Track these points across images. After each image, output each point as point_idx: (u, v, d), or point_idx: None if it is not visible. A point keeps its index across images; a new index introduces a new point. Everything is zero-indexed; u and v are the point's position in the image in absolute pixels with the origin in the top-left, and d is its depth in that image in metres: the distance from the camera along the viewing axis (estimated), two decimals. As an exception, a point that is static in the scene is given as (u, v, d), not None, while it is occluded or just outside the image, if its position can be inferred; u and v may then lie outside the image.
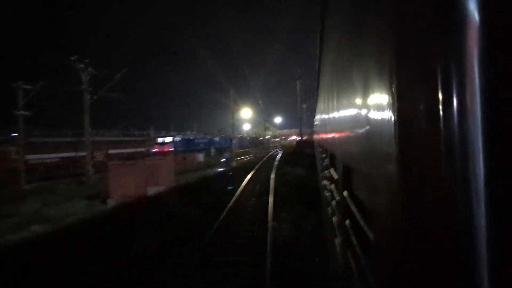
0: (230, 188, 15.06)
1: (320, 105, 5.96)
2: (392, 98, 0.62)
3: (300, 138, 41.25)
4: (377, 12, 0.78)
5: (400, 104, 0.58)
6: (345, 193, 1.66)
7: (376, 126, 0.79)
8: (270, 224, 8.54)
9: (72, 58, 22.03)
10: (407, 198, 0.56)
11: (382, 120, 0.70)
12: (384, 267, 0.82)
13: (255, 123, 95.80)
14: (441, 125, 0.42)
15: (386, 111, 0.66)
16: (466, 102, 0.39)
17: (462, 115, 0.39)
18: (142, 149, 38.93)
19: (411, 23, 0.54)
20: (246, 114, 44.51)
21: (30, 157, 23.71)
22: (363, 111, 0.97)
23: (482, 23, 0.38)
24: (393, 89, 0.61)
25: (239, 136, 72.56)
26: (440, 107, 0.42)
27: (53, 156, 26.68)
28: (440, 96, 0.42)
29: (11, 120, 22.16)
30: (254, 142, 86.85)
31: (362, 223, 1.19)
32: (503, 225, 0.37)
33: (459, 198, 0.40)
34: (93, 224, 10.17)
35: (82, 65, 22.42)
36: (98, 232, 9.03)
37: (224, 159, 30.76)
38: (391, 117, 0.63)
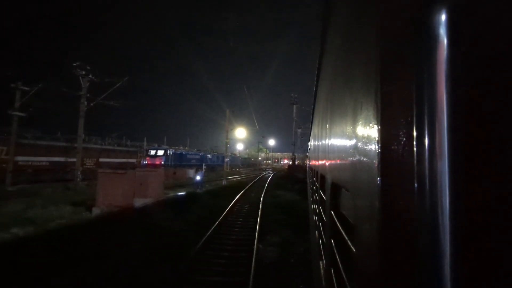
0: (217, 207, 14.90)
1: (314, 130, 6.11)
2: (376, 130, 0.71)
3: (292, 162, 41.31)
4: (364, 51, 0.91)
5: (382, 136, 0.68)
6: (332, 212, 1.75)
7: (362, 152, 0.88)
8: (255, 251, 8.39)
9: (74, 64, 22.22)
10: (385, 218, 0.64)
11: (367, 147, 0.80)
12: (362, 285, 0.87)
13: (249, 143, 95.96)
14: (415, 158, 0.52)
15: (370, 140, 0.76)
16: (435, 140, 0.48)
17: (432, 151, 0.48)
18: (134, 160, 38.57)
19: (393, 66, 0.64)
20: (240, 134, 44.66)
21: (19, 158, 23.34)
22: (352, 138, 1.07)
23: (449, 78, 0.48)
24: (377, 122, 0.71)
25: (232, 155, 72.43)
26: (415, 144, 0.52)
27: (43, 159, 26.27)
28: (415, 133, 0.52)
29: (6, 120, 21.98)
30: (246, 162, 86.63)
31: (346, 238, 1.26)
32: (464, 243, 0.44)
33: (427, 220, 0.48)
34: (74, 232, 9.90)
35: (83, 72, 22.58)
36: (77, 240, 8.82)
37: (195, 182, 22.90)
38: (374, 146, 0.72)
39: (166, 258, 7.48)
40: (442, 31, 0.48)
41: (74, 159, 23.67)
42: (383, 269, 0.65)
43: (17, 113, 21.56)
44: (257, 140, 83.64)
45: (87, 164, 29.80)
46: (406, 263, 0.54)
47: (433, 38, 0.49)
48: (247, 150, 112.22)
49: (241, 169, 68.52)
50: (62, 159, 27.90)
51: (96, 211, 13.50)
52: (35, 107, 22.82)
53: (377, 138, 0.70)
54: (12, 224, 10.73)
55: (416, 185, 0.51)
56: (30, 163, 24.97)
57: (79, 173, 22.53)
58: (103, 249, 7.92)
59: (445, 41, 0.48)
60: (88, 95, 23.12)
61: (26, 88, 21.87)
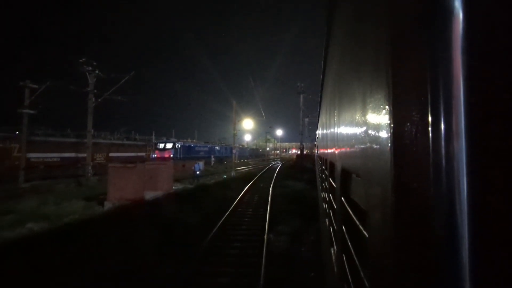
0: (227, 199, 14.96)
1: (322, 118, 6.05)
2: (388, 113, 0.69)
3: (300, 151, 41.20)
4: (374, 31, 0.87)
5: (394, 119, 0.66)
6: (342, 199, 1.72)
7: (373, 137, 0.86)
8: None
9: (80, 61, 22.34)
10: (399, 203, 0.62)
11: (379, 131, 0.78)
12: (376, 272, 0.85)
13: (256, 133, 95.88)
14: (430, 141, 0.49)
15: (382, 124, 0.74)
16: (451, 121, 0.45)
17: (448, 132, 0.46)
18: (143, 154, 38.92)
19: (405, 44, 0.62)
20: (247, 125, 44.57)
21: (31, 155, 23.77)
22: (362, 124, 1.05)
23: (466, 54, 0.45)
24: (388, 105, 0.69)
25: (240, 146, 72.55)
26: (429, 125, 0.49)
27: (54, 155, 26.70)
28: (429, 114, 0.49)
29: (17, 117, 22.34)
30: (254, 153, 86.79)
31: (358, 223, 1.24)
32: (482, 227, 0.43)
33: (443, 205, 0.45)
34: (87, 226, 10.13)
35: (90, 68, 22.70)
36: (90, 233, 9.01)
37: (195, 174, 22.95)
38: (386, 129, 0.70)
39: (178, 249, 7.59)
40: (458, 4, 0.46)
41: (85, 155, 23.99)
42: (397, 254, 0.64)
43: (27, 111, 21.85)
44: (264, 130, 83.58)
45: (97, 159, 30.19)
46: (420, 248, 0.52)
47: (448, 12, 0.46)
48: (255, 141, 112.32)
49: (249, 160, 68.72)
50: (72, 154, 28.31)
51: (108, 205, 13.71)
52: (44, 104, 23.12)
53: (388, 121, 0.68)
54: (27, 220, 10.99)
55: (431, 168, 0.48)
56: (41, 159, 25.42)
57: (89, 168, 22.87)
58: (117, 241, 8.06)
59: (461, 15, 0.45)
60: (95, 91, 23.28)
61: (34, 86, 22.09)
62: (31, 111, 22.14)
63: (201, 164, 26.61)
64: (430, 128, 0.49)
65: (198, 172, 23.24)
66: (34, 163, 24.29)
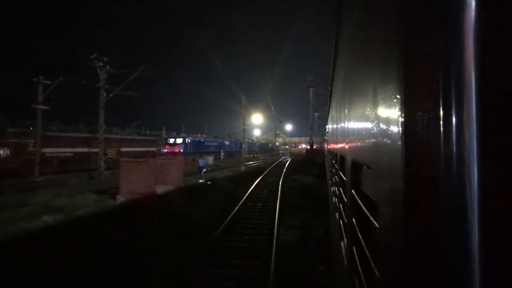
0: (237, 193, 14.99)
1: (333, 112, 6.01)
2: (399, 105, 0.68)
3: (310, 146, 41.03)
4: (385, 22, 0.86)
5: (405, 111, 0.65)
6: (353, 191, 1.72)
7: (384, 129, 0.86)
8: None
9: (92, 56, 22.60)
10: (410, 194, 0.62)
11: (390, 123, 0.78)
12: (387, 262, 0.86)
13: (266, 128, 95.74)
14: (441, 132, 0.48)
15: (393, 116, 0.74)
16: (463, 113, 0.44)
17: (460, 124, 0.45)
18: (154, 149, 39.37)
19: (416, 35, 0.61)
20: (257, 119, 44.55)
21: (46, 150, 24.33)
22: (373, 116, 1.04)
23: (478, 45, 0.44)
24: (399, 96, 0.68)
25: (250, 141, 72.64)
26: (441, 117, 0.48)
27: (68, 150, 27.27)
28: (441, 104, 0.48)
29: (30, 113, 22.83)
30: (264, 148, 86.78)
31: (368, 215, 1.24)
32: (493, 220, 0.42)
33: (454, 197, 0.45)
34: (101, 219, 10.35)
35: (101, 64, 22.95)
36: (105, 225, 9.21)
37: (200, 170, 22.77)
38: (398, 122, 0.70)
39: (190, 241, 7.68)
40: None
41: (97, 149, 24.38)
42: (407, 245, 0.64)
43: (41, 107, 22.29)
44: (274, 125, 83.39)
45: (109, 153, 30.65)
46: (431, 239, 0.52)
47: (460, 2, 0.45)
48: (264, 136, 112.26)
49: (259, 155, 68.74)
50: (85, 149, 28.85)
51: (120, 198, 13.96)
52: (57, 100, 23.54)
53: (400, 113, 0.68)
54: (42, 212, 11.28)
55: (442, 160, 0.47)
56: (55, 154, 25.99)
57: (102, 162, 23.24)
58: (132, 233, 8.22)
59: (473, 4, 0.44)
60: (106, 86, 23.55)
61: (47, 82, 22.49)
62: (45, 107, 22.57)
63: (209, 159, 26.46)
64: (441, 121, 0.49)
65: (204, 170, 23.29)
66: (48, 158, 24.86)
